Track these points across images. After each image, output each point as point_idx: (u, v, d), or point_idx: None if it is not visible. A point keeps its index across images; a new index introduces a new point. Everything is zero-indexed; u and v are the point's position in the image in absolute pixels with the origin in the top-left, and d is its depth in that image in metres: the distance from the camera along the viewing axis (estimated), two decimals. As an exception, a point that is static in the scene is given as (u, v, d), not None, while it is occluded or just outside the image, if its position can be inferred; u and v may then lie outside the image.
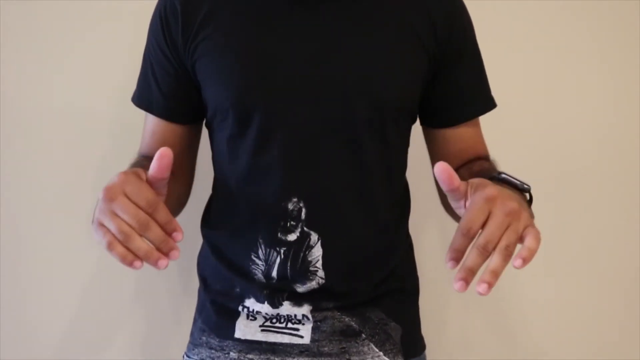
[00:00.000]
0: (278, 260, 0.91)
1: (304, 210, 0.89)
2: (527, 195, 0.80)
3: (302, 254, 0.91)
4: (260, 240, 0.92)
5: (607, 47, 1.27)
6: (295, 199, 0.89)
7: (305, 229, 0.90)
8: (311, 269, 0.91)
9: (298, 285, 0.92)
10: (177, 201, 0.99)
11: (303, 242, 0.91)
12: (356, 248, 0.93)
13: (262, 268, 0.93)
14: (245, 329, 0.96)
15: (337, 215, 0.91)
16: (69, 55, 1.22)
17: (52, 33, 1.21)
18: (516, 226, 0.66)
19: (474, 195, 0.69)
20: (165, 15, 0.89)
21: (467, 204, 0.70)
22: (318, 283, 0.92)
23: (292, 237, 0.91)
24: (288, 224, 0.90)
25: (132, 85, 0.97)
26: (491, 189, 0.68)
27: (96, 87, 1.23)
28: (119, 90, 1.15)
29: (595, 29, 1.27)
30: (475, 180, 0.72)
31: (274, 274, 0.92)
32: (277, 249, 0.91)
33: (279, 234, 0.91)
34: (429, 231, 1.33)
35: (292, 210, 0.90)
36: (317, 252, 0.91)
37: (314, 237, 0.91)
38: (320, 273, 0.91)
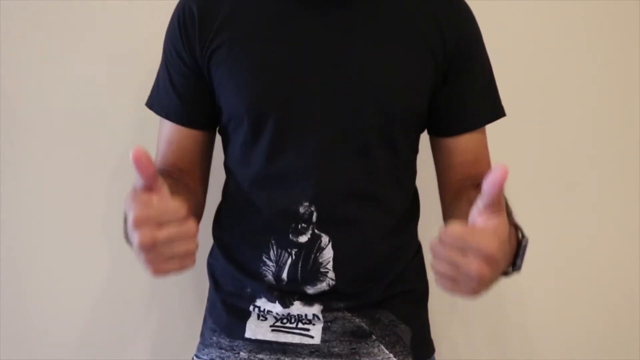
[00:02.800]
0: (289, 261, 0.92)
1: (314, 213, 0.91)
2: (511, 268, 0.79)
3: (313, 256, 0.92)
4: (273, 242, 0.93)
5: (608, 47, 1.27)
6: (306, 203, 0.90)
7: (316, 231, 0.91)
8: (322, 270, 0.92)
9: (308, 287, 0.93)
10: (198, 207, 0.99)
11: (314, 244, 0.92)
12: (366, 251, 0.94)
13: (273, 269, 0.94)
14: (255, 329, 0.96)
15: (347, 219, 0.92)
16: (74, 56, 1.22)
17: (59, 32, 1.21)
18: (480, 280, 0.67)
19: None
20: (184, 21, 0.91)
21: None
22: (328, 284, 0.93)
23: (303, 238, 0.92)
24: (299, 226, 0.91)
25: (142, 87, 0.99)
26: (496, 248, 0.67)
27: (105, 89, 1.22)
28: (130, 93, 1.18)
29: (595, 29, 1.27)
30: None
31: (284, 275, 0.93)
32: (289, 250, 0.92)
33: (290, 236, 0.92)
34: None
35: (303, 213, 0.91)
36: (328, 254, 0.92)
37: (325, 239, 0.92)
38: (331, 274, 0.92)
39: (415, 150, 0.99)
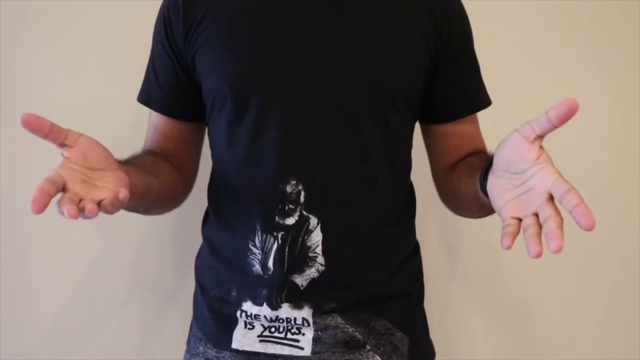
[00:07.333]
0: (275, 246, 0.87)
1: (302, 193, 0.87)
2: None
3: (300, 239, 0.87)
4: (258, 227, 0.88)
5: (608, 47, 1.31)
6: (293, 182, 0.86)
7: (304, 212, 0.87)
8: (310, 254, 0.87)
9: (296, 275, 0.87)
10: (172, 193, 0.97)
11: (302, 226, 0.87)
12: (357, 234, 0.89)
13: (259, 257, 0.88)
14: (243, 339, 0.90)
15: (337, 199, 0.88)
16: (70, 52, 1.24)
17: (56, 30, 1.24)
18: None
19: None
20: (168, 12, 0.93)
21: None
22: (318, 270, 0.87)
23: (290, 221, 0.87)
24: (286, 207, 0.87)
25: (136, 81, 1.00)
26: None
27: (102, 85, 1.25)
28: (126, 89, 1.16)
29: (595, 29, 1.31)
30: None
31: (270, 263, 0.87)
32: (275, 233, 0.87)
33: (276, 218, 0.87)
34: (430, 234, 1.31)
35: (291, 193, 0.87)
36: (316, 237, 0.87)
37: (314, 221, 0.87)
38: (320, 259, 0.87)
39: (409, 137, 0.96)
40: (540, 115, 0.67)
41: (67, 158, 0.71)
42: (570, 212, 0.62)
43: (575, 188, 0.64)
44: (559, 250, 0.61)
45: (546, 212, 0.65)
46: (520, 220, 0.68)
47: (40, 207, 0.64)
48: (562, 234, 0.62)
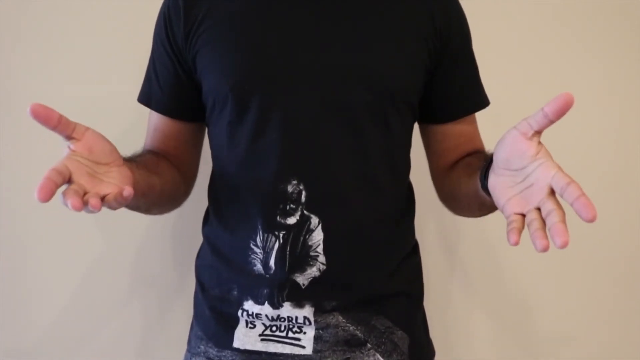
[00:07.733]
0: (277, 245, 0.87)
1: (303, 192, 0.87)
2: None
3: (302, 238, 0.87)
4: (259, 226, 0.88)
5: (607, 47, 1.32)
6: (294, 182, 0.87)
7: (305, 212, 0.87)
8: (311, 254, 0.87)
9: (297, 274, 0.87)
10: (172, 193, 0.97)
11: (303, 226, 0.87)
12: (358, 233, 0.89)
13: (261, 257, 0.88)
14: (244, 339, 0.91)
15: (338, 199, 0.88)
16: (70, 51, 1.25)
17: (56, 30, 1.24)
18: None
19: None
20: (169, 12, 0.93)
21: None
22: (319, 269, 0.87)
23: (291, 220, 0.87)
24: (288, 207, 0.87)
25: (136, 82, 1.00)
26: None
27: (99, 84, 1.25)
28: (123, 88, 1.18)
29: (595, 29, 1.32)
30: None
31: (272, 262, 0.87)
32: (276, 233, 0.87)
33: (278, 218, 0.87)
34: (430, 233, 1.31)
35: (292, 192, 0.87)
36: (317, 236, 0.87)
37: (315, 220, 0.87)
38: (321, 258, 0.87)
39: (408, 137, 0.96)
40: (537, 111, 0.68)
41: (73, 151, 0.71)
42: (572, 205, 0.62)
43: (575, 181, 0.64)
44: (565, 245, 0.61)
45: (548, 206, 0.65)
46: (523, 215, 0.68)
47: (47, 195, 0.63)
48: (566, 228, 0.62)
